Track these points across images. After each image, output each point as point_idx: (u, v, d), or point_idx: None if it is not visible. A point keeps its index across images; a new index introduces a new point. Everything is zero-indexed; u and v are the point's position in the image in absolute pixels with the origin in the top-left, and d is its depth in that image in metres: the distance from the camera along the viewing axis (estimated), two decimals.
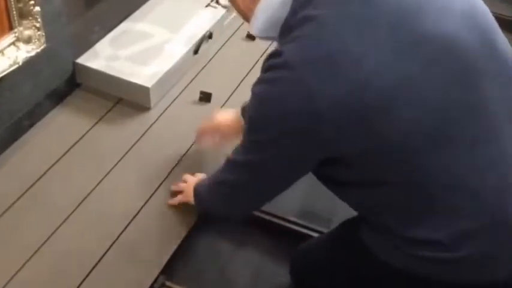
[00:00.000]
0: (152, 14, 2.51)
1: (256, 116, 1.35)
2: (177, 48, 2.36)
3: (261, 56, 2.50)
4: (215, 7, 2.58)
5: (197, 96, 2.30)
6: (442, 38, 1.26)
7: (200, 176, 1.90)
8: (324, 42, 1.23)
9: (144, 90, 2.19)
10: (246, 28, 2.47)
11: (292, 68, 1.24)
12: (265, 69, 1.31)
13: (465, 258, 1.33)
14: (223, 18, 2.57)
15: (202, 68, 2.44)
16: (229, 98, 2.31)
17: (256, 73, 2.14)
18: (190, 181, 1.90)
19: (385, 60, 1.22)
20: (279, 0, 1.35)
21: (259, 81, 1.33)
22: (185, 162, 2.05)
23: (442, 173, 1.29)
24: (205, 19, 2.52)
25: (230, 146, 1.69)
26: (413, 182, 1.30)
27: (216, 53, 2.53)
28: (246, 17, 1.47)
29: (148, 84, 2.18)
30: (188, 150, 2.09)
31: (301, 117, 1.25)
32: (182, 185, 1.92)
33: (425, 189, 1.30)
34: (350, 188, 1.41)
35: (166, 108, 2.25)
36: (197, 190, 1.79)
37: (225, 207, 1.64)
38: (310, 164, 1.38)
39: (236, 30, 2.65)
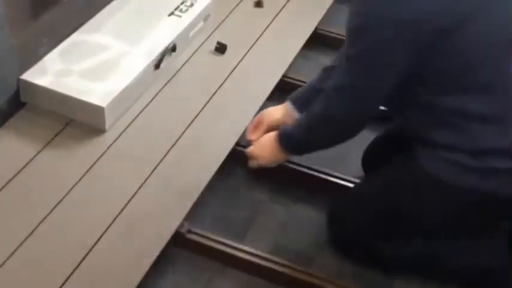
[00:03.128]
0: (108, 24, 2.50)
1: (355, 27, 1.78)
2: (136, 62, 2.35)
3: (232, 71, 2.51)
4: (179, 16, 2.57)
5: (159, 114, 2.29)
6: None
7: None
8: None
9: (98, 111, 2.18)
10: (215, 39, 2.51)
11: None
12: None
13: None
14: (188, 28, 2.58)
15: (165, 85, 2.44)
16: (196, 117, 2.31)
17: (226, 90, 2.17)
18: (258, 148, 2.11)
19: None
20: None
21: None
22: (144, 192, 2.04)
23: None
24: (168, 29, 2.52)
25: None
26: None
27: (181, 68, 2.53)
28: None
29: (103, 103, 2.17)
30: (147, 178, 2.08)
31: (397, 30, 1.69)
32: (251, 155, 2.12)
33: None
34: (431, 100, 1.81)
35: (123, 131, 2.24)
36: (284, 131, 2.03)
37: (339, 113, 1.89)
38: (406, 65, 1.76)
39: (203, 42, 2.65)
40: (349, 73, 1.85)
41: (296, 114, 2.17)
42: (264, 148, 2.09)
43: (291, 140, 2.03)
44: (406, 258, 1.99)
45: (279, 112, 2.20)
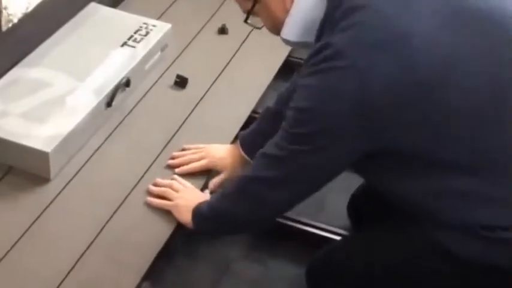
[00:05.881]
0: (51, 57, 2.49)
1: (306, 107, 1.68)
2: (85, 100, 2.33)
3: (194, 108, 2.50)
4: (133, 46, 2.56)
5: (110, 160, 2.27)
6: (486, 11, 1.68)
7: (195, 191, 2.15)
8: (373, 27, 1.61)
9: (42, 157, 2.16)
10: (174, 72, 2.50)
11: (344, 56, 1.60)
12: (316, 62, 1.64)
13: None
14: (144, 60, 2.57)
15: (118, 125, 2.42)
16: (154, 160, 2.30)
17: (188, 130, 2.16)
18: (185, 195, 2.12)
19: (432, 35, 1.60)
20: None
21: (309, 74, 1.67)
22: (96, 249, 2.01)
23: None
24: (120, 62, 2.51)
25: None
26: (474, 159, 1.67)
27: (136, 105, 2.52)
28: (278, 22, 1.82)
29: (47, 148, 2.15)
30: (100, 233, 2.06)
31: (355, 107, 1.60)
32: (173, 195, 2.13)
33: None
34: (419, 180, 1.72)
35: (71, 179, 2.22)
36: (200, 209, 2.02)
37: (250, 212, 1.90)
38: (358, 155, 1.70)
39: (161, 75, 2.65)
40: (280, 165, 1.79)
41: (247, 158, 2.23)
42: (186, 203, 2.09)
43: (201, 221, 2.03)
44: None
45: (224, 152, 2.28)
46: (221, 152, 2.28)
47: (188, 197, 2.11)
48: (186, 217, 2.05)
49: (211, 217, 2.00)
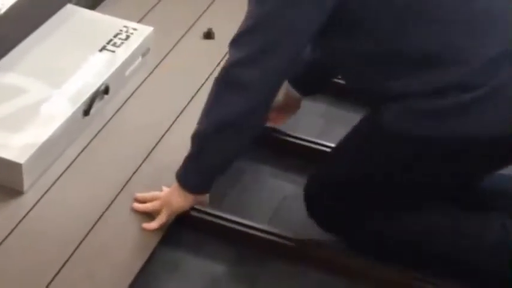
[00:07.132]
0: (25, 62, 2.48)
1: None
2: (61, 108, 2.33)
3: (177, 117, 2.49)
4: (113, 51, 2.54)
5: (87, 172, 2.26)
6: None
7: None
8: None
9: (14, 168, 2.14)
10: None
11: None
12: None
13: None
14: (124, 65, 2.56)
15: (96, 135, 2.41)
16: (134, 173, 2.28)
17: (171, 141, 2.13)
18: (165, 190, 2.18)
19: None
20: None
21: None
22: (72, 267, 1.99)
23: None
24: (99, 67, 2.50)
25: None
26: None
27: (115, 113, 2.50)
28: None
29: (20, 159, 2.14)
30: (76, 250, 2.03)
31: None
32: (156, 194, 2.17)
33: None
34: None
35: (46, 192, 2.20)
36: (180, 167, 2.09)
37: (238, 105, 1.93)
38: (323, 17, 1.86)
39: (142, 83, 2.63)
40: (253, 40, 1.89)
41: (295, 93, 2.41)
42: (175, 198, 2.11)
43: (188, 176, 2.09)
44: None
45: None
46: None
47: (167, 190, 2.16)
48: (176, 198, 2.10)
49: (195, 151, 2.05)
